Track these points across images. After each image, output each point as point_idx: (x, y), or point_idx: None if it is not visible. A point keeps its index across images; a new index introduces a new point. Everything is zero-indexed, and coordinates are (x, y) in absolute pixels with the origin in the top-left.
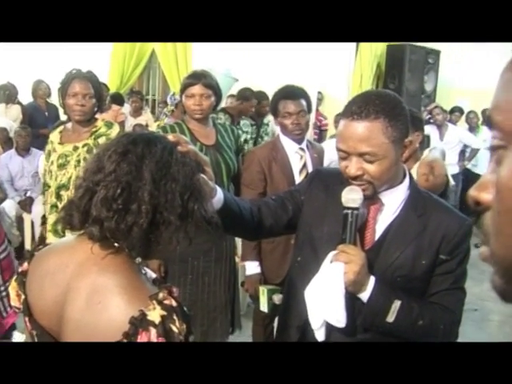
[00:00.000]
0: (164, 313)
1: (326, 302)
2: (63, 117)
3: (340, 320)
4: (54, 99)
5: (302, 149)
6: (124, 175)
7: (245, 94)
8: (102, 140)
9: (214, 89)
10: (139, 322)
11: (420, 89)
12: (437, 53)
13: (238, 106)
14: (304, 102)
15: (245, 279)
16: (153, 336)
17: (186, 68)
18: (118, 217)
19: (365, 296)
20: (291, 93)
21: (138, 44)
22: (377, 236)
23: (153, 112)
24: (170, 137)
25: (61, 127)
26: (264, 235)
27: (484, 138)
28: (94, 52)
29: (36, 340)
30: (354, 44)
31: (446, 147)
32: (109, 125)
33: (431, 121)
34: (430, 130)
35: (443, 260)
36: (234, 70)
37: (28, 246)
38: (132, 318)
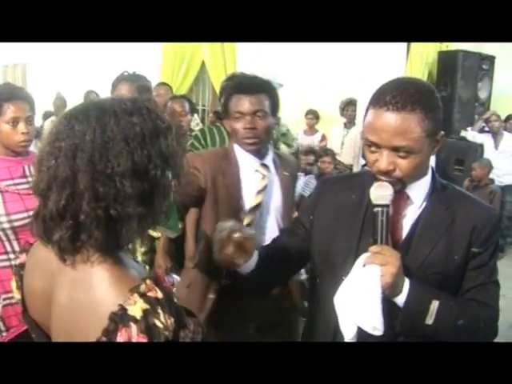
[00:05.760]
0: (146, 306)
1: (360, 309)
2: None
3: (377, 327)
4: None
5: (264, 165)
6: (62, 182)
7: None
8: None
9: None
10: (119, 317)
11: (474, 96)
12: (491, 58)
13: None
14: (265, 99)
15: None
16: (134, 332)
17: None
18: (71, 235)
19: (401, 299)
20: (247, 85)
21: (188, 56)
22: (404, 232)
23: (203, 122)
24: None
25: None
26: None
27: None
28: (144, 64)
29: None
30: (404, 53)
31: (502, 156)
32: None
33: (486, 129)
34: (484, 138)
35: (476, 253)
36: (280, 77)
37: None
38: (112, 313)
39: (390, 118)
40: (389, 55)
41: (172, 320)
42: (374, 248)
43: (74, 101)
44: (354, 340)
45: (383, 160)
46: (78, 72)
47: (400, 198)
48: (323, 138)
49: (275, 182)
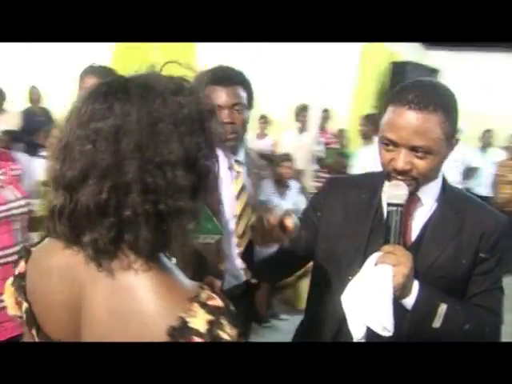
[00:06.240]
0: (210, 317)
1: (371, 309)
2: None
3: (388, 328)
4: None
5: (238, 161)
6: (103, 171)
7: None
8: None
9: None
10: (179, 331)
11: None
12: (436, 72)
13: None
14: (242, 91)
15: None
16: None
17: None
18: (115, 235)
19: (409, 301)
20: (223, 76)
21: (138, 57)
22: (414, 234)
23: None
24: None
25: None
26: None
27: (493, 159)
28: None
29: None
30: (356, 60)
31: (446, 165)
32: None
33: None
34: None
35: (483, 259)
36: None
37: None
38: (170, 327)
39: (412, 117)
40: (340, 62)
41: (235, 331)
42: (386, 247)
43: (15, 96)
44: (363, 340)
45: (400, 159)
46: (21, 68)
47: (411, 199)
48: (275, 143)
49: (248, 184)
